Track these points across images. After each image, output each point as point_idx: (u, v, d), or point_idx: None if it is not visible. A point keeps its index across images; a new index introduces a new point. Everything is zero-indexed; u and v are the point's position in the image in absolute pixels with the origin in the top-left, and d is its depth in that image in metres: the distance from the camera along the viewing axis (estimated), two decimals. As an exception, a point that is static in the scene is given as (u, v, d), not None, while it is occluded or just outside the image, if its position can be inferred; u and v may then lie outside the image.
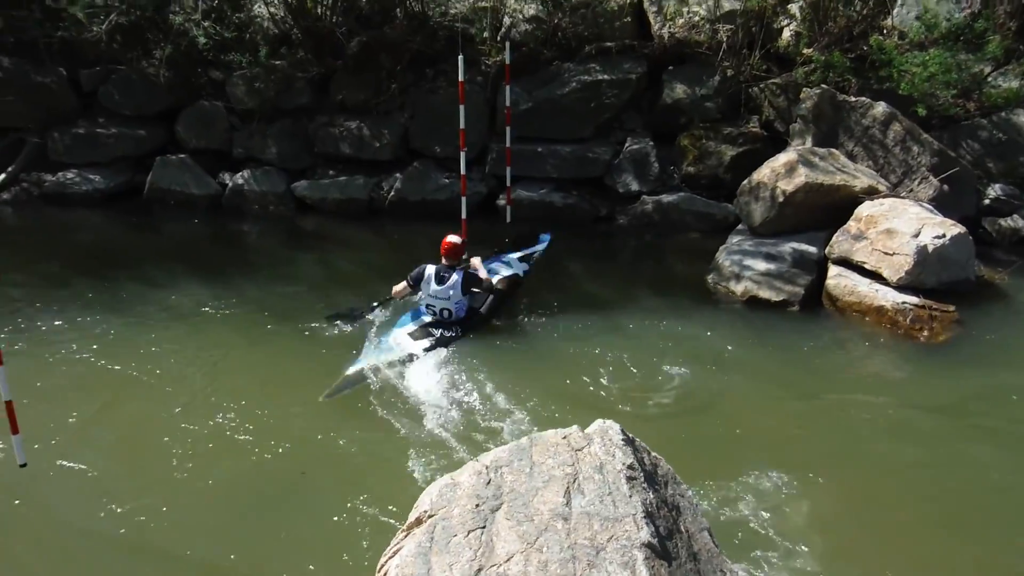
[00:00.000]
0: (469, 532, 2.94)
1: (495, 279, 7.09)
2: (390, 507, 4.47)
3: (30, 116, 11.12)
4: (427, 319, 6.69)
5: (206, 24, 10.27)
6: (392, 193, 10.24)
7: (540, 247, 8.23)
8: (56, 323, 7.11)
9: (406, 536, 3.08)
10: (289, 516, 4.54)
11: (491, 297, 6.89)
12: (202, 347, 6.64)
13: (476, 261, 7.12)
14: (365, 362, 6.09)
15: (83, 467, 5.02)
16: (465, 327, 6.67)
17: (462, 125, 7.58)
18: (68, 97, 11.09)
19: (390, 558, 3.02)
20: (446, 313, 6.64)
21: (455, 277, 6.54)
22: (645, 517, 2.93)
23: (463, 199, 7.84)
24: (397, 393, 5.81)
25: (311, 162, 10.77)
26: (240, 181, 10.68)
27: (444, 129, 9.83)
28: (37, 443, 5.11)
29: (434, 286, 6.60)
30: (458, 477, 3.21)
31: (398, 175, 10.33)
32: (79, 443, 5.29)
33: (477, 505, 3.03)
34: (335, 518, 4.44)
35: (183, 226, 10.32)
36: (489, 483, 3.13)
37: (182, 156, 10.85)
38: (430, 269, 6.66)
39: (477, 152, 9.90)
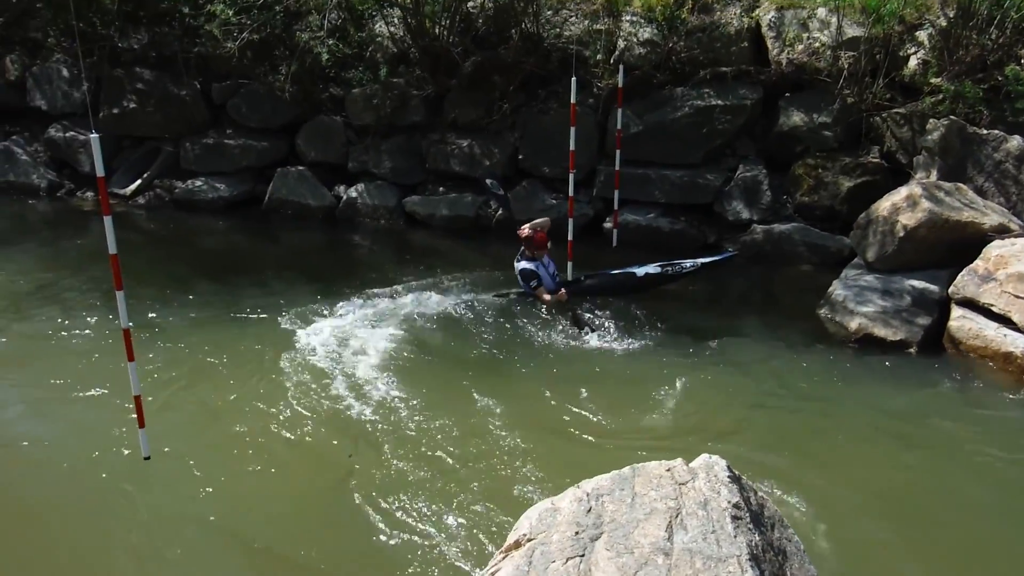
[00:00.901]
0: (568, 560, 2.92)
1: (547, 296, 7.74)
2: (490, 526, 4.49)
3: (166, 126, 11.83)
4: None
5: (330, 42, 10.69)
6: (500, 212, 10.36)
7: (716, 258, 8.45)
8: (179, 323, 7.52)
9: (504, 558, 3.09)
10: (384, 528, 4.61)
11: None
12: (315, 354, 6.87)
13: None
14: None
15: (203, 462, 5.26)
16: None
17: (572, 147, 7.61)
18: (200, 109, 11.73)
19: (487, 579, 3.04)
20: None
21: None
22: (750, 559, 2.85)
23: (570, 220, 7.85)
24: (498, 414, 5.84)
25: (422, 178, 11.02)
26: (354, 194, 11.03)
27: (553, 150, 9.89)
28: (161, 436, 5.40)
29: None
30: (559, 503, 3.20)
31: (508, 194, 10.44)
32: (199, 438, 5.55)
33: (577, 533, 3.02)
34: (434, 533, 4.49)
35: (299, 235, 10.74)
36: (590, 511, 3.11)
37: (301, 168, 11.31)
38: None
39: (585, 174, 9.89)
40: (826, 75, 9.10)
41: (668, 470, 3.28)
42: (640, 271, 7.95)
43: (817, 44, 9.20)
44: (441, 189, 10.84)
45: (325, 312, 7.75)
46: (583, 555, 2.93)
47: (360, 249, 10.39)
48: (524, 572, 2.93)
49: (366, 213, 10.94)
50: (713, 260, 8.24)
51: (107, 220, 4.61)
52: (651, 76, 9.71)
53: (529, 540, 3.07)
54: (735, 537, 2.94)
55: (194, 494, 4.97)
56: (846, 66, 8.98)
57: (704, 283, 8.48)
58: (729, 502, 3.09)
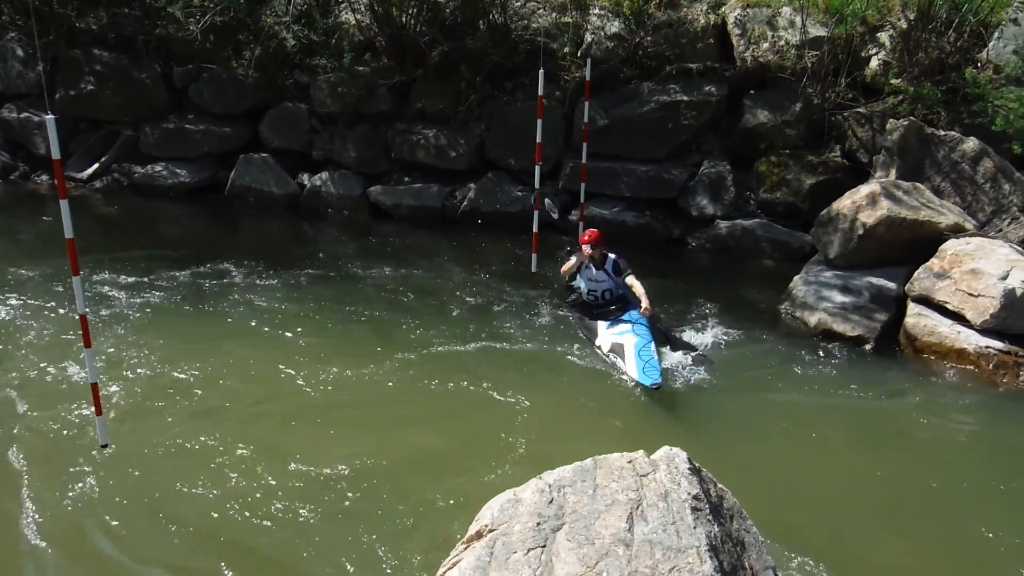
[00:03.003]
0: (529, 550, 2.93)
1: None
2: (451, 518, 4.48)
3: (125, 109, 11.58)
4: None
5: (295, 28, 10.55)
6: (465, 203, 10.33)
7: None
8: (138, 309, 7.39)
9: (465, 549, 3.09)
10: (345, 517, 4.58)
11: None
12: (273, 341, 6.80)
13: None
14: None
15: (159, 449, 5.18)
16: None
17: (539, 139, 7.61)
18: (161, 93, 11.50)
19: (448, 570, 3.03)
20: (608, 295, 7.18)
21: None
22: (709, 550, 2.88)
23: (536, 213, 7.85)
24: (458, 410, 5.83)
25: (388, 168, 10.94)
26: (318, 183, 10.92)
27: (520, 142, 9.87)
28: (119, 424, 5.31)
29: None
30: (521, 494, 3.21)
31: (472, 185, 10.42)
32: (157, 425, 5.46)
33: (538, 523, 3.02)
34: (396, 524, 4.48)
35: (261, 223, 10.60)
36: (551, 502, 3.11)
37: (264, 155, 11.15)
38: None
39: (551, 167, 9.91)
40: (790, 73, 9.22)
41: (630, 462, 3.30)
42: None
43: (782, 43, 9.31)
44: (407, 179, 10.77)
45: (283, 300, 7.66)
46: (544, 546, 2.94)
47: (324, 238, 10.28)
48: (485, 563, 2.92)
49: (330, 202, 10.84)
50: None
51: (63, 204, 4.51)
52: (618, 70, 9.75)
53: (491, 531, 3.07)
54: (694, 528, 2.97)
55: (151, 481, 4.90)
56: (809, 65, 9.09)
57: (665, 277, 8.55)
58: (689, 493, 3.11)
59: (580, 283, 7.24)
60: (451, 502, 4.65)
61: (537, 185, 7.78)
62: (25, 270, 8.51)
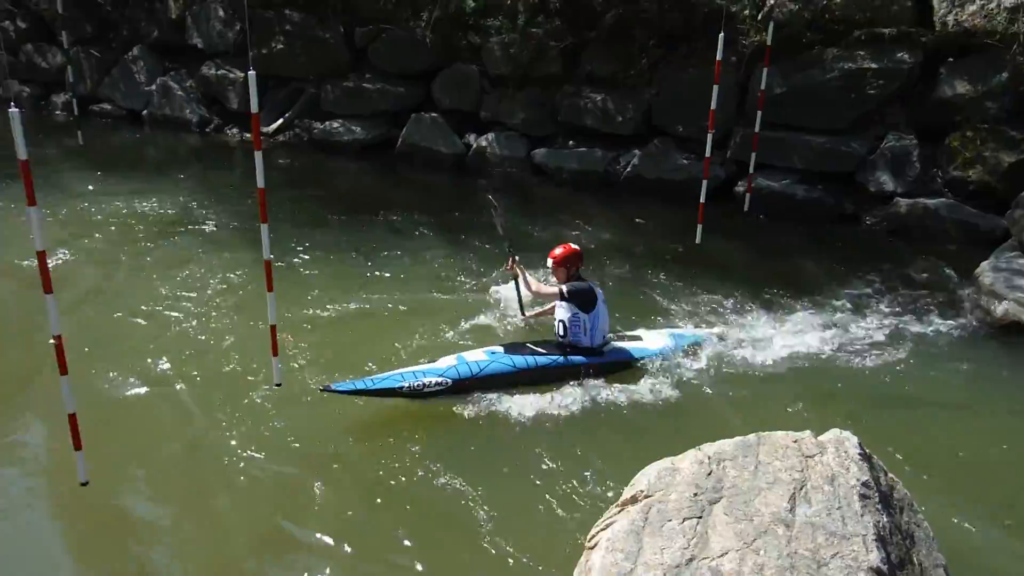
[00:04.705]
0: (684, 520, 2.91)
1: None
2: (604, 481, 4.52)
3: (310, 68, 12.24)
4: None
5: (474, -11, 10.71)
6: (628, 168, 10.22)
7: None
8: (311, 258, 7.83)
9: (619, 512, 3.11)
10: (518, 472, 4.68)
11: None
12: (437, 297, 7.03)
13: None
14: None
15: (319, 398, 5.49)
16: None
17: (713, 106, 7.37)
18: (343, 53, 12.04)
19: (602, 530, 3.07)
20: (561, 328, 5.72)
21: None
22: (876, 540, 2.75)
23: (704, 182, 7.64)
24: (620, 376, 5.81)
25: (553, 130, 10.98)
26: (484, 143, 11.12)
27: (690, 108, 9.62)
28: (290, 365, 5.68)
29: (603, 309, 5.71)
30: (679, 463, 3.18)
31: (637, 151, 10.28)
32: (327, 365, 5.78)
33: (695, 494, 2.99)
34: (549, 485, 4.55)
35: (428, 181, 10.95)
36: (710, 474, 3.07)
37: (434, 115, 11.47)
38: (598, 291, 5.72)
39: (721, 135, 9.59)
40: (998, 40, 8.40)
41: (795, 441, 3.19)
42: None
43: (992, 5, 8.48)
44: (571, 143, 10.77)
45: (446, 255, 7.89)
46: (700, 517, 2.91)
47: (486, 199, 10.46)
48: (639, 527, 2.94)
49: (495, 163, 11.02)
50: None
51: (258, 155, 4.80)
52: (801, 35, 9.24)
53: (647, 497, 3.08)
54: (862, 516, 2.85)
55: (321, 418, 5.18)
56: (1023, 31, 8.25)
57: (833, 256, 8.12)
58: (858, 480, 2.98)
59: (583, 317, 5.67)
60: (606, 465, 4.67)
61: (708, 153, 7.54)
62: (212, 215, 9.24)
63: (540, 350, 5.63)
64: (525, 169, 10.86)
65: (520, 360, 5.49)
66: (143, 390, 5.42)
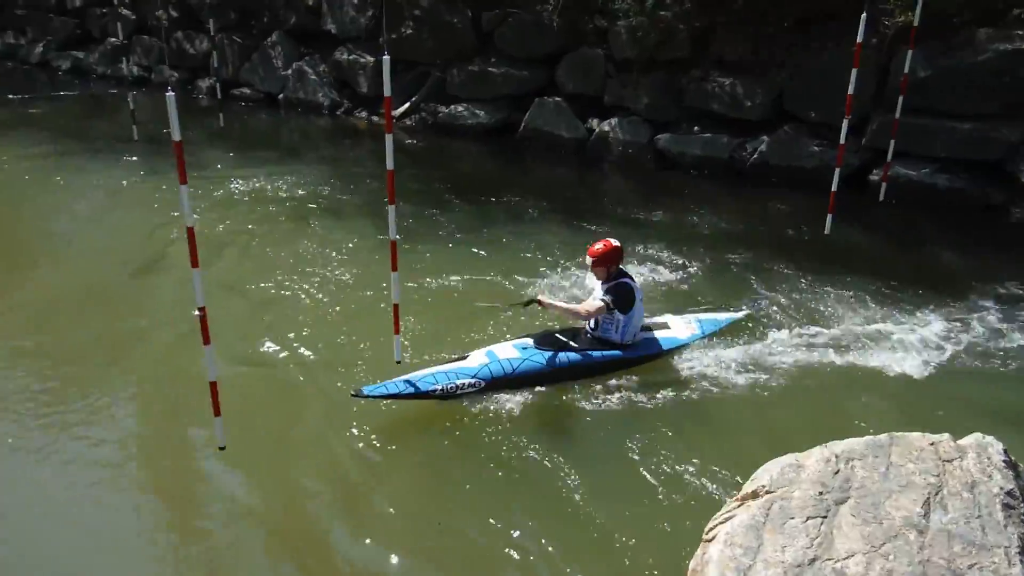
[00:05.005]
0: (808, 519, 2.81)
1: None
2: (720, 475, 4.43)
3: (437, 52, 12.47)
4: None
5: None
6: (755, 155, 9.91)
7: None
8: (434, 239, 7.99)
9: (739, 506, 3.03)
10: (637, 460, 4.65)
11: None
12: (552, 281, 7.04)
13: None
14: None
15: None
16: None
17: (851, 90, 7.02)
18: (470, 37, 12.19)
19: (720, 523, 3.00)
20: (593, 321, 5.48)
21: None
22: (1021, 553, 2.57)
23: (837, 170, 7.31)
24: (748, 365, 5.66)
25: (677, 116, 10.77)
26: (607, 128, 11.03)
27: (824, 93, 9.24)
28: (411, 343, 5.82)
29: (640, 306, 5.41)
30: (804, 460, 3.07)
31: (765, 137, 9.95)
32: (441, 343, 5.90)
33: (821, 493, 2.88)
34: (665, 476, 4.49)
35: (549, 166, 10.97)
36: (837, 473, 2.95)
37: (557, 99, 11.46)
38: (638, 291, 5.40)
39: (857, 121, 9.13)
40: None
41: (932, 444, 3.02)
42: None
43: None
44: (696, 128, 10.54)
45: (567, 242, 7.88)
46: (825, 517, 2.80)
47: (607, 182, 10.42)
48: (760, 523, 2.86)
49: (616, 148, 10.92)
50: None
51: (388, 138, 4.93)
52: (951, 14, 8.67)
53: (768, 492, 2.99)
54: (1005, 527, 2.67)
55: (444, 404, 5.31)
56: None
57: (976, 250, 7.60)
58: (1002, 488, 2.79)
59: (622, 318, 5.41)
60: (726, 457, 4.57)
61: (843, 140, 7.20)
62: (343, 196, 9.58)
63: (572, 344, 5.39)
64: (647, 155, 10.71)
65: (552, 358, 5.28)
66: (273, 361, 5.68)
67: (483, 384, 5.07)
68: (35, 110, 15.06)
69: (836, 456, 3.04)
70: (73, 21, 18.99)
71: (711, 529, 3.04)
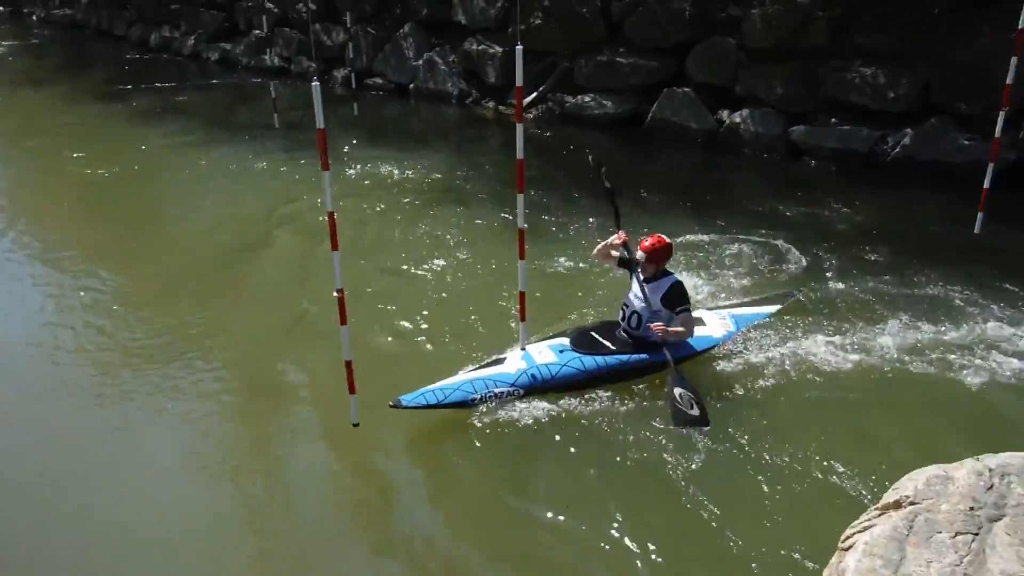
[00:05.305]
0: (957, 534, 2.67)
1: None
2: (854, 479, 4.26)
3: (565, 43, 12.46)
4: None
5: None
6: (897, 149, 9.42)
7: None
8: (556, 230, 8.00)
9: (880, 515, 2.91)
10: (777, 465, 4.54)
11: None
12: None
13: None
14: None
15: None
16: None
17: (1009, 80, 6.56)
18: (599, 27, 12.11)
19: (858, 532, 2.89)
20: (635, 320, 5.26)
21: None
22: None
23: (990, 165, 6.85)
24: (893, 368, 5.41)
25: (812, 107, 10.35)
26: (737, 119, 10.73)
27: (976, 83, 8.67)
28: (533, 325, 5.87)
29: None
30: (953, 472, 2.91)
31: (909, 130, 9.44)
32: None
33: (972, 508, 2.73)
34: (811, 476, 4.35)
35: (677, 158, 10.78)
36: (991, 488, 2.79)
37: (687, 90, 11.23)
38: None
39: (1014, 112, 8.50)
40: None
41: (1100, 464, 2.81)
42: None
43: None
44: (833, 120, 10.10)
45: (689, 236, 7.74)
46: (977, 534, 2.65)
47: (737, 177, 10.14)
48: (902, 535, 2.73)
49: (747, 140, 10.61)
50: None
51: (519, 127, 5.00)
52: None
53: (912, 503, 2.85)
54: None
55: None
56: None
57: None
58: None
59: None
60: (858, 463, 4.39)
61: (998, 134, 6.74)
62: (471, 183, 9.75)
63: (610, 346, 5.22)
64: (780, 148, 10.36)
65: (591, 362, 5.10)
66: (400, 342, 5.86)
67: (521, 392, 4.92)
68: (184, 98, 16.05)
69: (990, 470, 2.87)
70: (221, 15, 20.11)
71: (848, 537, 2.94)
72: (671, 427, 4.72)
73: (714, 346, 5.48)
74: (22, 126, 14.26)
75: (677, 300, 5.12)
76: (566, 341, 5.26)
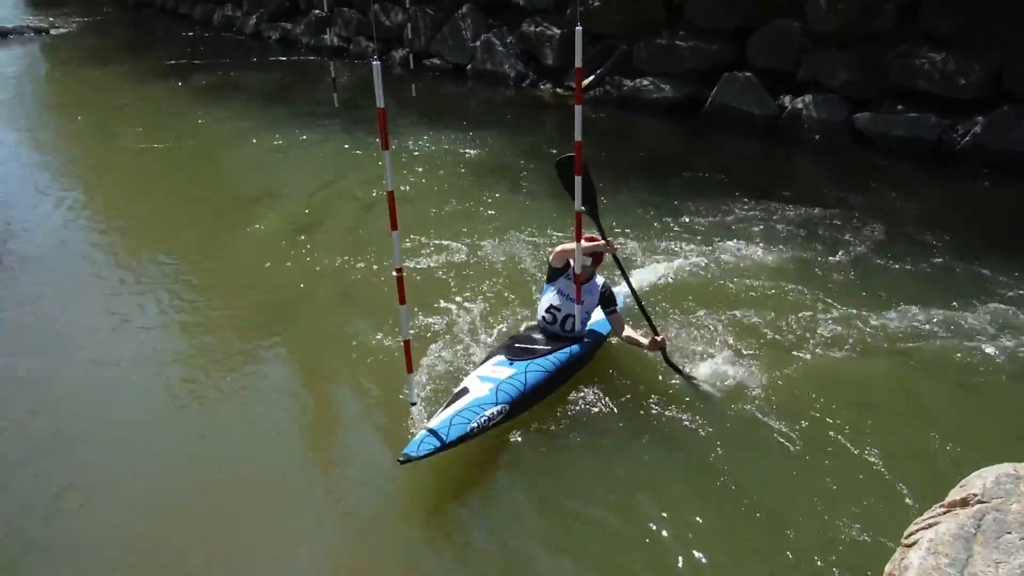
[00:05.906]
0: (1027, 535, 2.61)
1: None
2: (916, 474, 4.18)
3: (624, 25, 12.32)
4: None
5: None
6: (968, 138, 9.13)
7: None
8: (619, 213, 7.95)
9: (945, 512, 2.86)
10: (837, 454, 4.49)
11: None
12: (733, 264, 6.84)
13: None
14: None
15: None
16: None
17: (1090, 69, 6.32)
18: (659, 9, 11.95)
19: (922, 528, 2.85)
20: (570, 322, 5.18)
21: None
22: None
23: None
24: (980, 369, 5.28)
25: (878, 93, 10.08)
26: (800, 105, 10.51)
27: (1055, 70, 8.35)
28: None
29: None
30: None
31: (980, 118, 9.14)
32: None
33: (1044, 509, 2.67)
34: (873, 468, 4.28)
35: (736, 144, 10.60)
36: (1064, 490, 2.72)
37: (747, 74, 11.03)
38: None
39: (1093, 102, 8.23)
40: None
41: None
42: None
43: None
44: (899, 107, 9.83)
45: (747, 226, 7.62)
46: (1048, 536, 2.59)
47: (799, 164, 9.95)
48: (970, 534, 2.69)
49: (809, 127, 10.39)
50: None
51: (578, 109, 4.92)
52: None
53: (980, 502, 2.80)
54: None
55: (620, 382, 5.33)
56: None
57: None
58: None
59: (544, 293, 5.28)
60: (929, 459, 4.31)
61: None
62: (526, 165, 9.74)
63: (546, 347, 5.07)
64: (843, 135, 10.11)
65: (546, 363, 4.94)
66: (455, 321, 5.90)
67: (508, 408, 4.71)
68: (244, 76, 16.31)
69: (1063, 471, 2.80)
70: (283, -6, 20.37)
71: (911, 534, 2.90)
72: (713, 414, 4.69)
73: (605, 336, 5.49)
74: (84, 102, 14.66)
75: (612, 300, 5.19)
76: (503, 357, 5.03)
